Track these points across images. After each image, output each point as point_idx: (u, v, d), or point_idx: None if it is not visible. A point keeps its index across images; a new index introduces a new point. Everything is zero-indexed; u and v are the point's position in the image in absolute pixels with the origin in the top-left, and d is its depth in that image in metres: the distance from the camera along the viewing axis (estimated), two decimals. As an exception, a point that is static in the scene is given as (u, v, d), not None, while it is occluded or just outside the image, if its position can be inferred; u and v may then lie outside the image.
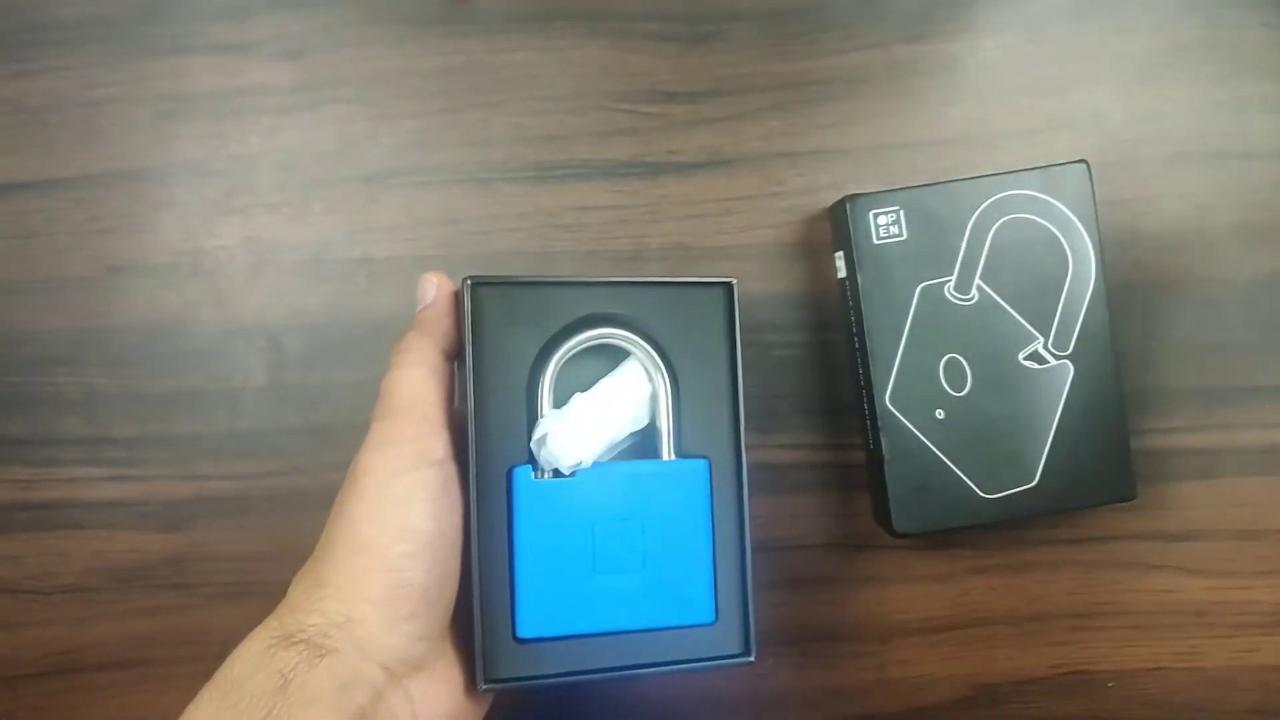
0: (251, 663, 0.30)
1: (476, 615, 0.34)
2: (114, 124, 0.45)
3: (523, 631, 0.35)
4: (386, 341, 0.44)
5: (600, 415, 0.36)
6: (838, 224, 0.44)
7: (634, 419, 0.37)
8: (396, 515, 0.32)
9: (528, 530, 0.35)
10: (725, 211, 0.46)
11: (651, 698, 0.45)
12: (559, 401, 0.36)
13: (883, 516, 0.43)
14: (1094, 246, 0.42)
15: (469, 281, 0.35)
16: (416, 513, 0.32)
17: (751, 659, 0.37)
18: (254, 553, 0.44)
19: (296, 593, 0.33)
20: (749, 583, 0.37)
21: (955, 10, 0.47)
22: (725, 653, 0.37)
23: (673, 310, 0.37)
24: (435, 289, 0.37)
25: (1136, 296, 0.46)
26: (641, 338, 0.37)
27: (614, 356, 0.38)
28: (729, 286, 0.38)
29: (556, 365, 0.36)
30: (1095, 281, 0.42)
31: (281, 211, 0.45)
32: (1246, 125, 0.47)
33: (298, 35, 0.45)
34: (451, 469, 0.34)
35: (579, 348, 0.36)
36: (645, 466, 0.36)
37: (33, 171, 0.45)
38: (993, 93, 0.47)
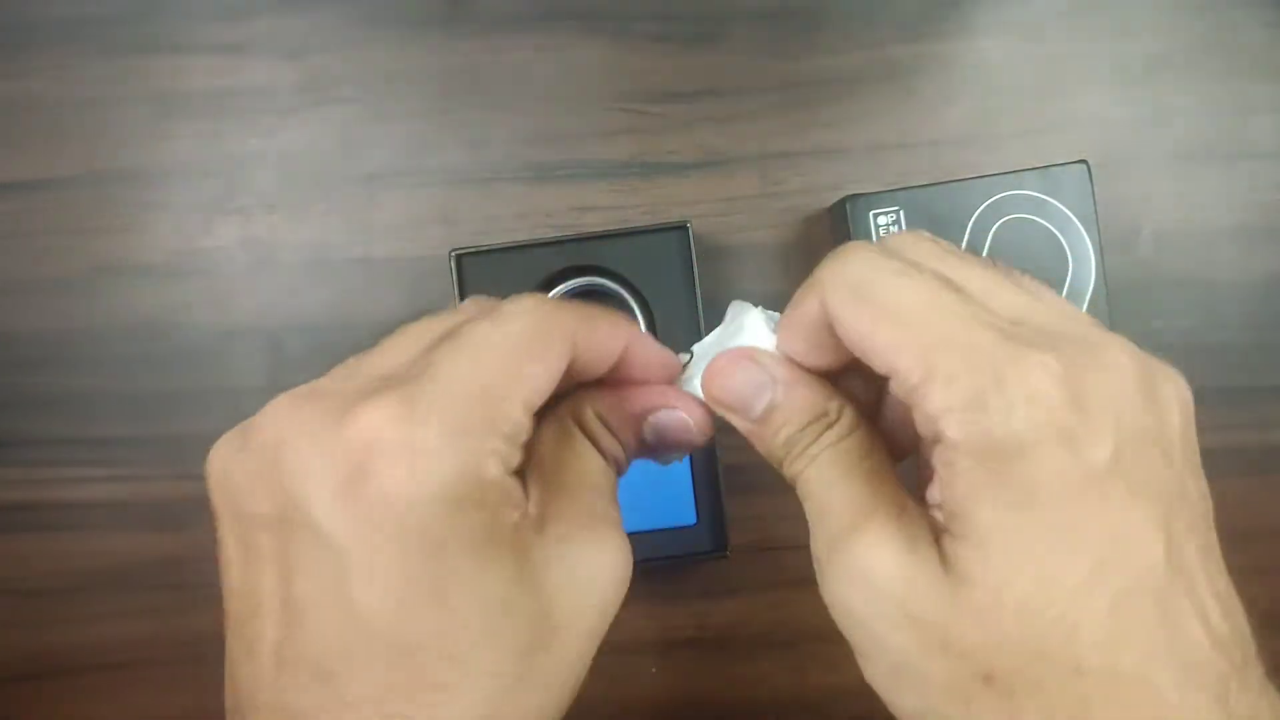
0: None
1: None
2: (113, 124, 0.45)
3: None
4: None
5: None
6: (837, 224, 0.44)
7: None
8: None
9: None
10: (724, 211, 0.46)
11: (650, 698, 0.45)
12: None
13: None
14: (1094, 246, 0.42)
15: (454, 254, 0.38)
16: None
17: (727, 554, 0.42)
18: (253, 553, 0.44)
19: None
20: (721, 492, 0.42)
21: (955, 10, 0.47)
22: (704, 549, 0.42)
23: (640, 255, 0.42)
24: None
25: (1136, 296, 0.46)
26: (615, 281, 0.41)
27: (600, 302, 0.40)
28: (684, 229, 0.41)
29: None
30: (1095, 281, 0.42)
31: (281, 212, 0.45)
32: (1246, 125, 0.47)
33: (297, 35, 0.45)
34: None
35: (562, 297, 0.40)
36: None
37: (31, 171, 0.45)
38: (992, 93, 0.47)
